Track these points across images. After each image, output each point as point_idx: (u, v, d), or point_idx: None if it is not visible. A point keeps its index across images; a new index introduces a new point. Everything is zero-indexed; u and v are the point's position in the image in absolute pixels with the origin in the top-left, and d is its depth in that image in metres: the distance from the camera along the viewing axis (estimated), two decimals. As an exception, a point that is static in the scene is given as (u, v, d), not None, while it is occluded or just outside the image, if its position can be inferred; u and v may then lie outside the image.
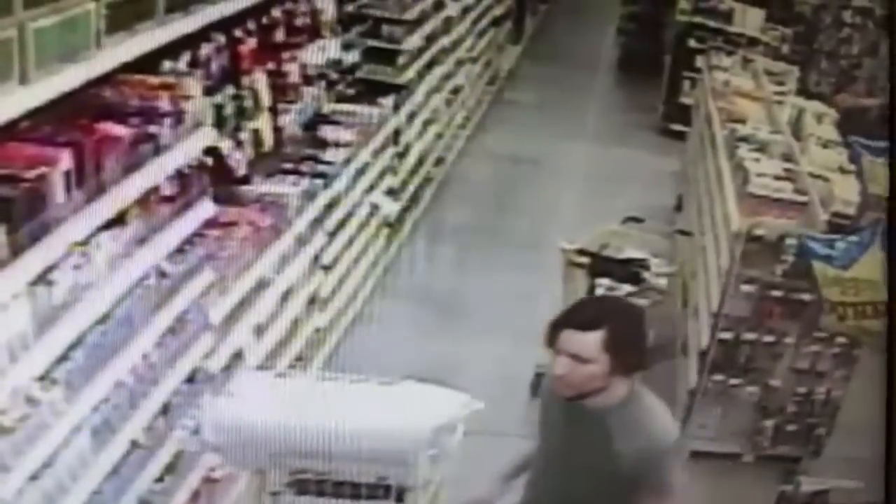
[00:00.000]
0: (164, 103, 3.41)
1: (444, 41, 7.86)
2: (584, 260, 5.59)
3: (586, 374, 2.62)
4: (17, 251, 2.64)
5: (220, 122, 4.03)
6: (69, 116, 3.02)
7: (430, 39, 7.37)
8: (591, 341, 2.61)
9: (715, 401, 5.08)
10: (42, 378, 2.80)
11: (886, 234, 4.02)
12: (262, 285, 4.23)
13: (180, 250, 3.54)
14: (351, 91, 5.95)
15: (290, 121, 4.88)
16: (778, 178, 5.51)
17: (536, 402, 5.38)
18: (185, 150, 3.50)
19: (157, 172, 3.31)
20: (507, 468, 3.03)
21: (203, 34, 3.90)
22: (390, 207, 6.28)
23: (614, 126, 9.91)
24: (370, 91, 6.19)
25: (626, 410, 2.67)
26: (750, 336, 4.96)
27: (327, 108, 5.56)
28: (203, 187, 3.68)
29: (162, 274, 3.40)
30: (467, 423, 3.22)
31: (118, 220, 3.13)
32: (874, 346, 4.49)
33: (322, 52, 5.29)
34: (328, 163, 5.12)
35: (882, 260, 4.20)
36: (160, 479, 3.43)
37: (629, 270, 5.65)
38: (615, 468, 2.67)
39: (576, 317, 2.68)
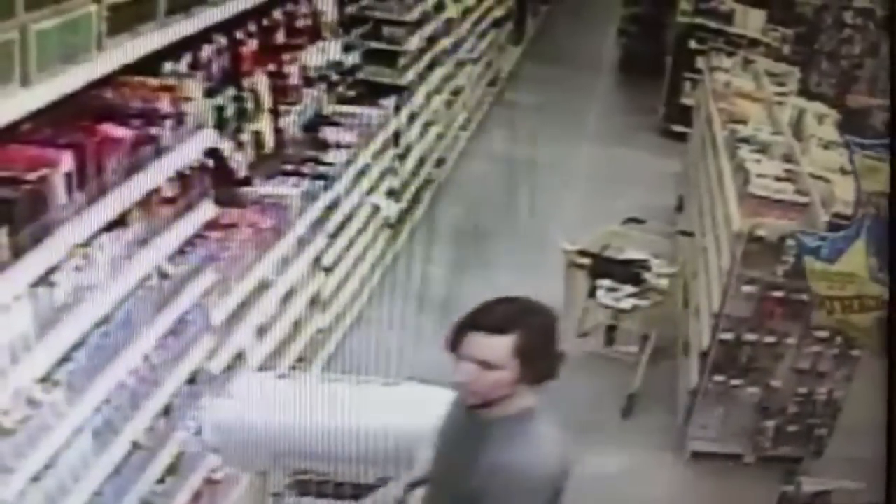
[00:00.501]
0: (165, 105, 3.41)
1: (445, 42, 7.86)
2: (586, 261, 5.60)
3: (492, 381, 2.42)
4: (18, 252, 2.65)
5: (221, 124, 4.03)
6: (70, 118, 3.03)
7: (431, 41, 7.37)
8: (500, 346, 2.41)
9: (716, 401, 5.08)
10: (43, 379, 2.81)
11: (888, 232, 4.03)
12: (263, 286, 4.23)
13: (181, 252, 3.55)
14: (352, 92, 5.95)
15: (291, 122, 4.89)
16: (779, 178, 5.52)
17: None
18: (186, 152, 3.51)
19: (158, 174, 3.32)
20: (400, 484, 2.88)
21: (204, 36, 3.91)
22: (391, 209, 6.28)
23: (615, 127, 9.90)
24: (371, 92, 6.19)
25: (519, 423, 2.46)
26: (751, 337, 4.96)
27: (328, 109, 5.56)
28: (204, 189, 3.69)
29: (163, 275, 3.40)
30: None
31: (119, 222, 3.14)
32: (864, 342, 4.51)
33: (323, 53, 5.29)
34: (329, 164, 5.13)
35: (866, 254, 4.22)
36: (161, 481, 3.44)
37: (630, 271, 5.65)
38: (469, 480, 2.43)
39: (485, 319, 2.46)
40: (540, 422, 2.50)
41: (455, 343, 2.46)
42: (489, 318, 2.46)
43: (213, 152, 3.86)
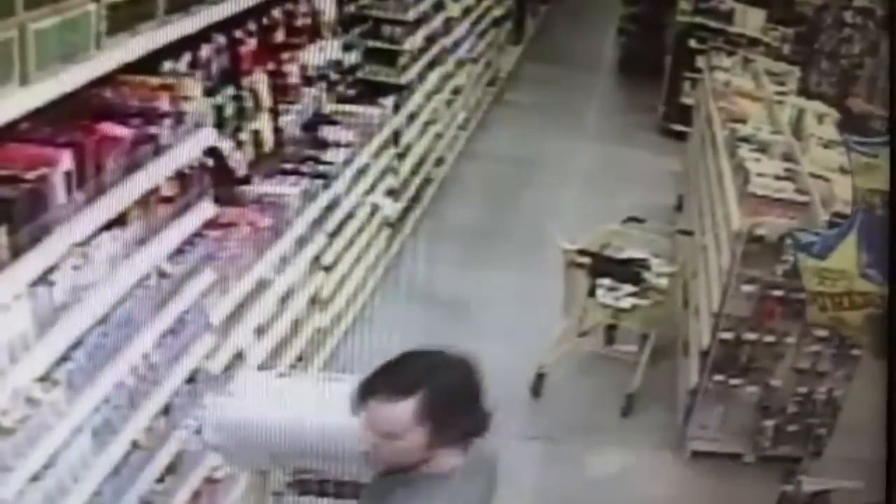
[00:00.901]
0: (164, 104, 3.41)
1: (445, 42, 7.86)
2: (586, 260, 5.60)
3: (398, 450, 2.16)
4: (17, 252, 2.64)
5: (220, 123, 4.02)
6: (69, 117, 3.02)
7: (431, 40, 7.37)
8: (400, 413, 2.13)
9: (716, 401, 5.08)
10: (43, 379, 2.80)
11: (888, 232, 4.03)
12: (262, 286, 4.23)
13: (181, 251, 3.54)
14: (351, 92, 5.95)
15: (291, 121, 4.88)
16: (779, 178, 5.52)
17: (537, 402, 5.45)
18: (186, 151, 3.50)
19: (157, 173, 3.31)
20: None
21: (203, 35, 3.90)
22: (391, 208, 6.28)
23: (615, 126, 9.91)
24: (371, 92, 6.20)
25: (433, 484, 2.19)
26: (751, 336, 4.96)
27: (328, 108, 5.56)
28: (203, 188, 3.68)
29: (162, 274, 3.39)
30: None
31: (119, 221, 3.13)
32: (858, 340, 4.50)
33: (322, 52, 5.29)
34: (328, 163, 5.12)
35: (857, 250, 4.23)
36: (161, 480, 3.43)
37: (630, 270, 5.65)
38: None
39: (382, 383, 2.18)
40: (455, 484, 2.21)
41: (356, 409, 2.21)
42: (386, 381, 2.19)
43: (212, 151, 3.85)
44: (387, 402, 2.15)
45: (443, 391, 2.18)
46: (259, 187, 4.48)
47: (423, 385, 2.15)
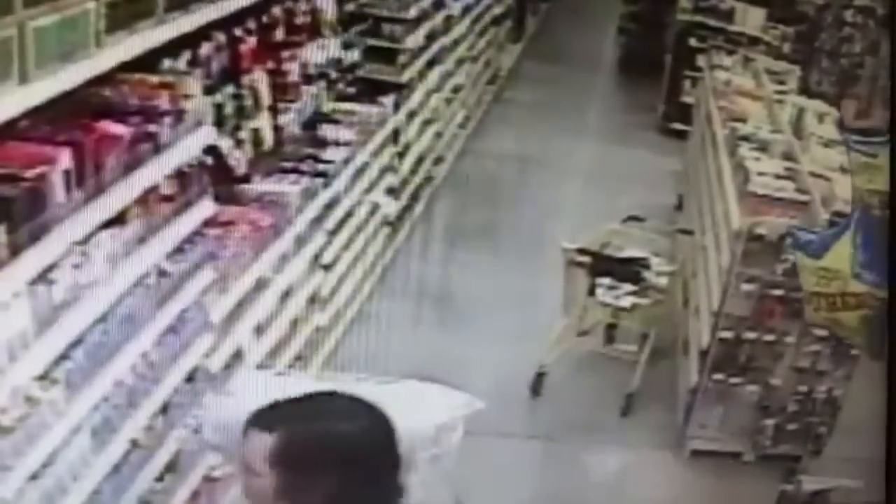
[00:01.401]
0: (163, 102, 3.40)
1: (445, 40, 7.85)
2: (585, 259, 5.60)
3: (251, 488, 1.94)
4: (16, 250, 2.63)
5: (220, 121, 4.02)
6: (69, 115, 3.02)
7: (431, 38, 7.36)
8: (257, 446, 1.92)
9: (716, 400, 5.08)
10: (42, 377, 2.80)
11: (888, 232, 4.02)
12: (262, 284, 4.23)
13: (180, 249, 3.54)
14: (351, 90, 5.95)
15: (290, 120, 4.88)
16: (779, 177, 5.52)
17: (536, 401, 5.44)
18: (185, 149, 3.50)
19: (156, 171, 3.31)
20: None
21: (203, 33, 3.90)
22: (390, 206, 6.28)
23: (615, 125, 9.90)
24: (370, 90, 6.19)
25: None
26: (751, 335, 4.96)
27: (327, 107, 5.56)
28: (203, 186, 3.68)
29: (162, 273, 3.39)
30: (467, 423, 3.21)
31: (118, 220, 3.13)
32: (854, 341, 4.50)
33: (322, 50, 5.29)
34: (328, 162, 5.12)
35: (852, 250, 4.23)
36: (160, 479, 3.43)
37: (630, 269, 5.65)
38: None
39: (261, 412, 2.01)
40: None
41: (242, 436, 2.02)
42: (266, 413, 2.00)
43: (211, 150, 3.85)
44: (254, 430, 1.98)
45: (307, 438, 1.94)
46: (259, 186, 4.48)
47: (286, 423, 1.94)
